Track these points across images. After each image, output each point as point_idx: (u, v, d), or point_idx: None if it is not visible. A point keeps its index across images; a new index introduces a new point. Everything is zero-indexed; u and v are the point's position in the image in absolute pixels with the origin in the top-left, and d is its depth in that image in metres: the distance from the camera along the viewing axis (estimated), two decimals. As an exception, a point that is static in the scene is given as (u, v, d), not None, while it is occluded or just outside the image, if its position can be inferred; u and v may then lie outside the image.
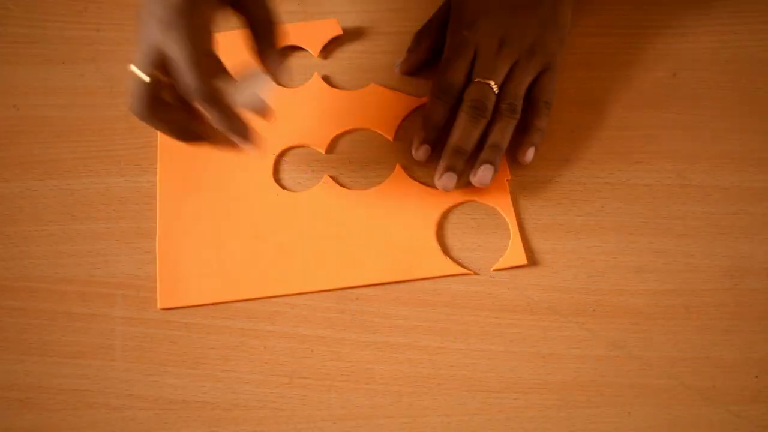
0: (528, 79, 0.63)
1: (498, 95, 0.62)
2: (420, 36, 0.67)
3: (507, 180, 0.63)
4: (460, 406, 0.55)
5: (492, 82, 0.62)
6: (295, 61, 0.69)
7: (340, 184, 0.63)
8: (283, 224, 0.61)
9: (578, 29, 0.69)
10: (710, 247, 0.60)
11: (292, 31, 0.69)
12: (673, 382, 0.56)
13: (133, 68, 0.53)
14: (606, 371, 0.56)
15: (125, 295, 0.58)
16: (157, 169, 0.63)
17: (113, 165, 0.63)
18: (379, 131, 0.65)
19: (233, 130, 0.54)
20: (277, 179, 0.63)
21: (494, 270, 0.59)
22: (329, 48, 0.69)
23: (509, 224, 0.61)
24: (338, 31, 0.69)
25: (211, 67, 0.53)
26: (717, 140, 0.65)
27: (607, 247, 0.60)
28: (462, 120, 0.61)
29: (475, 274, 0.59)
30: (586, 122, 0.65)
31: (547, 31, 0.64)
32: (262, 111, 0.55)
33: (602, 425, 0.54)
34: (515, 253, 0.60)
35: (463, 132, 0.61)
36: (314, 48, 0.69)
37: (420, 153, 0.62)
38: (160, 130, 0.55)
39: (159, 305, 0.58)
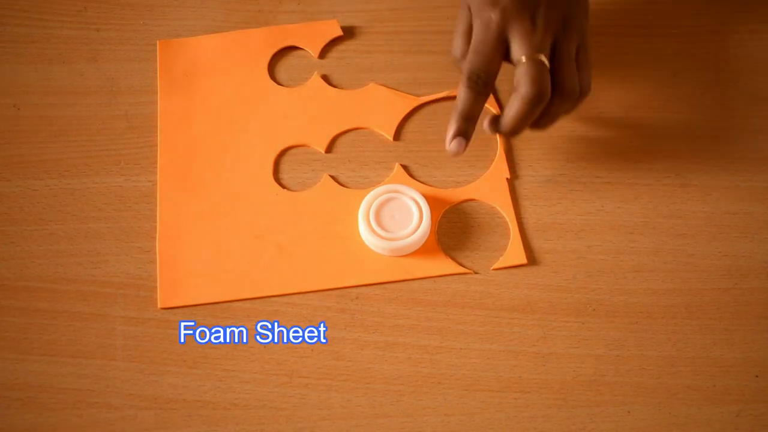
0: (573, 56, 0.60)
1: (557, 74, 0.59)
2: (458, 59, 0.63)
3: (507, 179, 0.63)
4: (460, 405, 0.55)
5: (542, 56, 0.58)
6: (294, 60, 0.69)
7: (340, 184, 0.63)
8: (283, 224, 0.61)
9: (578, 29, 0.69)
10: (710, 247, 0.60)
11: (292, 32, 0.69)
12: (673, 382, 0.56)
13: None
14: (606, 371, 0.56)
15: (125, 295, 0.58)
16: (157, 169, 0.63)
17: (113, 164, 0.63)
18: (378, 131, 0.65)
19: None
20: (277, 178, 0.63)
21: (494, 269, 0.59)
22: (329, 47, 0.69)
23: (509, 223, 0.61)
24: (338, 32, 0.69)
25: None
26: (717, 140, 0.65)
27: (607, 246, 0.60)
28: (521, 105, 0.57)
29: (475, 273, 0.59)
30: (585, 122, 0.65)
31: (574, 6, 0.61)
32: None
33: (602, 425, 0.54)
34: (515, 253, 0.60)
35: (521, 119, 0.58)
36: (314, 48, 0.69)
37: (453, 145, 0.59)
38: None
39: (159, 305, 0.58)
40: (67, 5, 0.70)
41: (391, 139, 0.65)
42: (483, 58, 0.58)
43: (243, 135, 0.65)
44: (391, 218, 0.60)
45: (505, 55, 0.59)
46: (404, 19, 0.70)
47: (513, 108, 0.58)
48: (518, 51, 0.58)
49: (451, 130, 0.58)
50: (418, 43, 0.67)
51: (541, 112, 0.59)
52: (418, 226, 0.60)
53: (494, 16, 0.59)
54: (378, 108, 0.66)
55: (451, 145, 0.59)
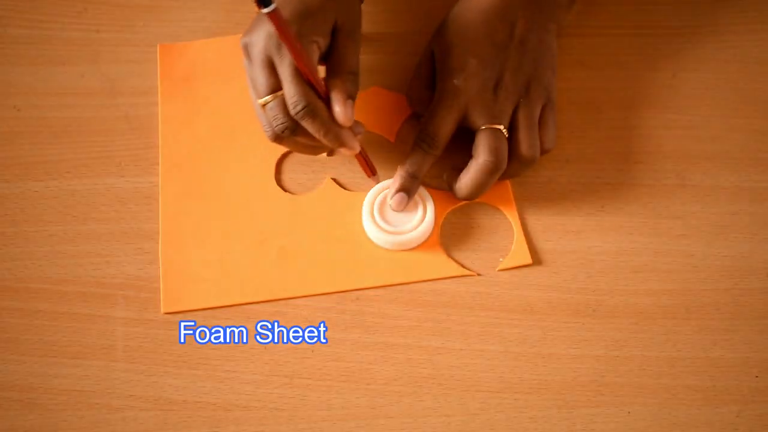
0: (536, 119, 0.61)
1: (515, 141, 0.60)
2: (413, 102, 0.65)
3: (509, 180, 0.63)
4: (460, 406, 0.55)
5: (501, 126, 0.59)
6: (295, 61, 0.69)
7: (342, 186, 0.63)
8: (285, 227, 0.61)
9: (578, 29, 0.69)
10: (710, 247, 0.60)
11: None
12: (673, 382, 0.56)
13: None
14: (606, 371, 0.56)
15: (126, 296, 0.58)
16: (159, 172, 0.63)
17: (114, 166, 0.63)
18: (380, 133, 0.65)
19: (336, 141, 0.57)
20: (279, 181, 0.63)
21: (499, 270, 0.60)
22: (330, 49, 0.69)
23: (513, 224, 0.61)
24: (339, 35, 0.69)
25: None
26: (717, 140, 0.65)
27: (607, 247, 0.60)
28: (477, 174, 0.59)
29: (478, 275, 0.59)
30: (586, 122, 0.66)
31: (540, 65, 0.62)
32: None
33: (602, 425, 0.54)
34: (520, 253, 0.60)
35: (477, 186, 0.60)
36: (315, 51, 0.69)
37: (395, 201, 0.60)
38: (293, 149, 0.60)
39: (163, 309, 0.58)
40: (66, 7, 0.70)
41: (392, 141, 0.65)
42: (439, 121, 0.60)
43: (244, 139, 0.65)
44: (395, 212, 0.60)
45: (465, 119, 0.61)
46: (405, 20, 0.70)
47: (469, 175, 0.60)
48: (477, 120, 0.60)
49: (395, 184, 0.60)
50: (419, 44, 0.67)
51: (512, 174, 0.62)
52: (422, 221, 0.60)
53: (457, 82, 0.60)
54: (380, 110, 0.66)
55: (393, 199, 0.60)
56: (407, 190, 0.60)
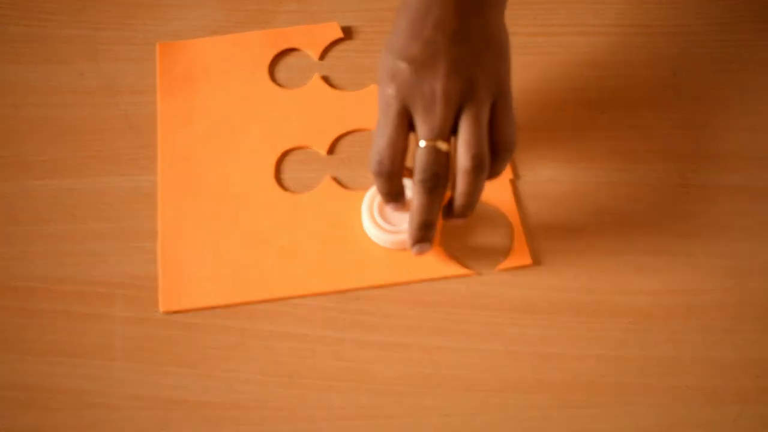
0: (485, 120, 0.54)
1: (457, 152, 0.54)
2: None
3: (510, 180, 0.63)
4: (460, 405, 0.55)
5: (438, 142, 0.53)
6: (295, 62, 0.69)
7: (342, 185, 0.63)
8: (285, 226, 0.61)
9: (578, 29, 0.69)
10: (711, 247, 0.60)
11: (292, 34, 0.69)
12: (673, 382, 0.56)
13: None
14: (606, 371, 0.56)
15: (125, 295, 0.58)
16: (158, 171, 0.63)
17: (113, 165, 0.63)
18: (379, 131, 0.65)
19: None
20: (279, 181, 0.63)
21: (499, 270, 0.59)
22: (329, 47, 0.69)
23: (513, 224, 0.61)
24: (338, 34, 0.69)
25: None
26: (717, 140, 0.65)
27: (607, 246, 0.60)
28: (417, 197, 0.55)
29: (478, 275, 0.59)
30: (586, 122, 0.66)
31: (483, 55, 0.54)
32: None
33: (602, 425, 0.54)
34: (520, 253, 0.60)
35: (423, 209, 0.55)
36: (314, 51, 0.69)
37: (390, 205, 0.58)
38: None
39: (161, 309, 0.58)
40: (65, 5, 0.70)
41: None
42: (385, 140, 0.54)
43: (244, 137, 0.65)
44: (395, 211, 0.60)
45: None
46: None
47: (413, 200, 0.56)
48: (418, 134, 0.54)
49: (369, 197, 0.60)
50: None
51: (452, 189, 0.56)
52: None
53: (391, 92, 0.54)
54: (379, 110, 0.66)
55: (389, 205, 0.58)
56: (394, 196, 0.57)
